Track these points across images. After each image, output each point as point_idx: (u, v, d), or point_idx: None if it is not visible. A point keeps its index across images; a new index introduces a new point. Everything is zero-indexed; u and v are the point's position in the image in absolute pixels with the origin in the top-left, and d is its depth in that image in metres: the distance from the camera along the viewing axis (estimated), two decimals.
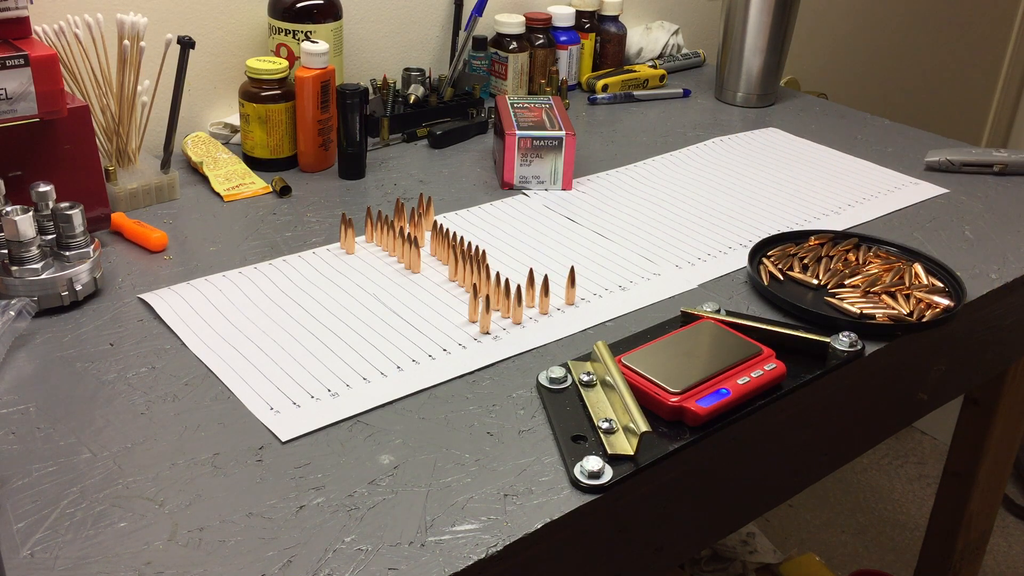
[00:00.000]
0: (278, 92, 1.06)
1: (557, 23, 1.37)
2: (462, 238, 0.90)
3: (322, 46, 1.05)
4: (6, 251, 0.80)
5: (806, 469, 0.88)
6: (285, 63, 1.07)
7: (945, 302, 0.85)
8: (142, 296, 0.83)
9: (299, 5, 1.12)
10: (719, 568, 1.59)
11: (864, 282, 0.88)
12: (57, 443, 0.65)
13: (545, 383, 0.73)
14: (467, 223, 1.00)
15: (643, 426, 0.64)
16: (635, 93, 1.40)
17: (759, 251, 0.94)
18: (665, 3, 1.60)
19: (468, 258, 0.86)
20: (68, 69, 0.94)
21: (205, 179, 1.06)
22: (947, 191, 1.12)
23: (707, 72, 1.54)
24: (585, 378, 0.73)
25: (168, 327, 0.79)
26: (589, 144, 1.23)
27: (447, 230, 0.91)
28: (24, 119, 0.84)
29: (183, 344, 0.77)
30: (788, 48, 1.40)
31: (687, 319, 0.80)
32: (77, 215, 0.80)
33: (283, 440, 0.67)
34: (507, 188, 1.08)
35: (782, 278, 0.90)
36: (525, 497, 0.62)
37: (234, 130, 1.15)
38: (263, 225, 0.97)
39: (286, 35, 1.12)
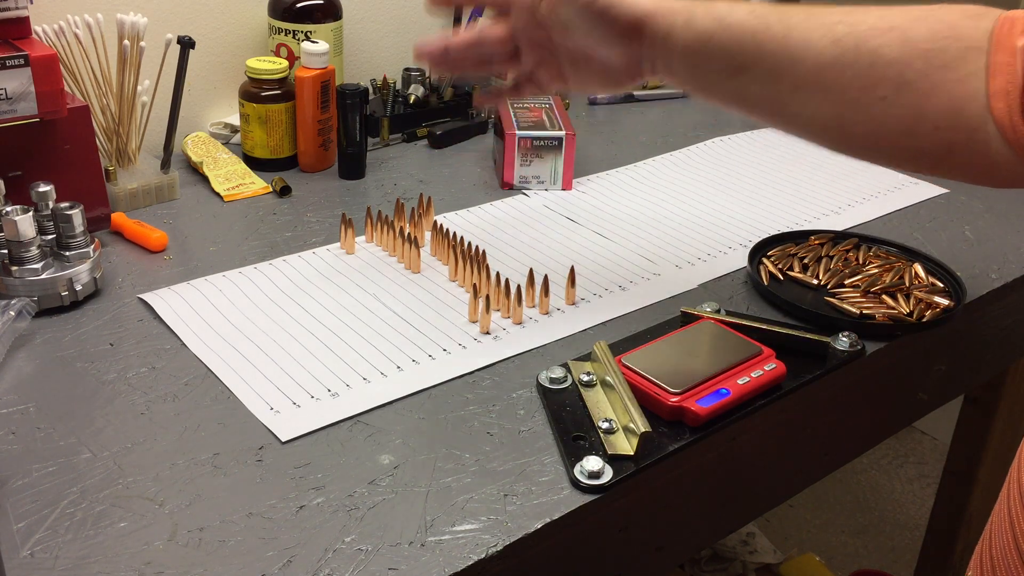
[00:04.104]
0: (278, 92, 1.06)
1: None
2: (462, 238, 0.90)
3: (322, 46, 1.05)
4: (6, 251, 0.80)
5: (806, 469, 0.88)
6: (285, 63, 1.07)
7: (945, 302, 0.85)
8: (142, 296, 0.83)
9: (299, 5, 1.12)
10: (719, 568, 1.59)
11: (864, 282, 0.88)
12: (57, 443, 0.65)
13: (545, 383, 0.73)
14: (467, 223, 1.00)
15: (643, 426, 0.64)
16: (635, 93, 1.40)
17: (759, 251, 0.94)
18: None
19: (468, 258, 0.86)
20: (68, 69, 0.94)
21: (205, 179, 1.06)
22: (947, 191, 1.12)
23: None
24: (585, 378, 0.73)
25: (168, 327, 0.79)
26: (589, 144, 1.23)
27: (447, 230, 0.91)
28: (24, 119, 0.84)
29: (183, 344, 0.77)
30: None
31: (687, 319, 0.80)
32: (77, 215, 0.80)
33: (283, 440, 0.67)
34: (507, 188, 1.08)
35: (782, 278, 0.90)
36: (525, 497, 0.62)
37: (234, 130, 1.15)
38: (263, 225, 0.97)
39: (286, 35, 1.12)
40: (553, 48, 0.74)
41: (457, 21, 1.32)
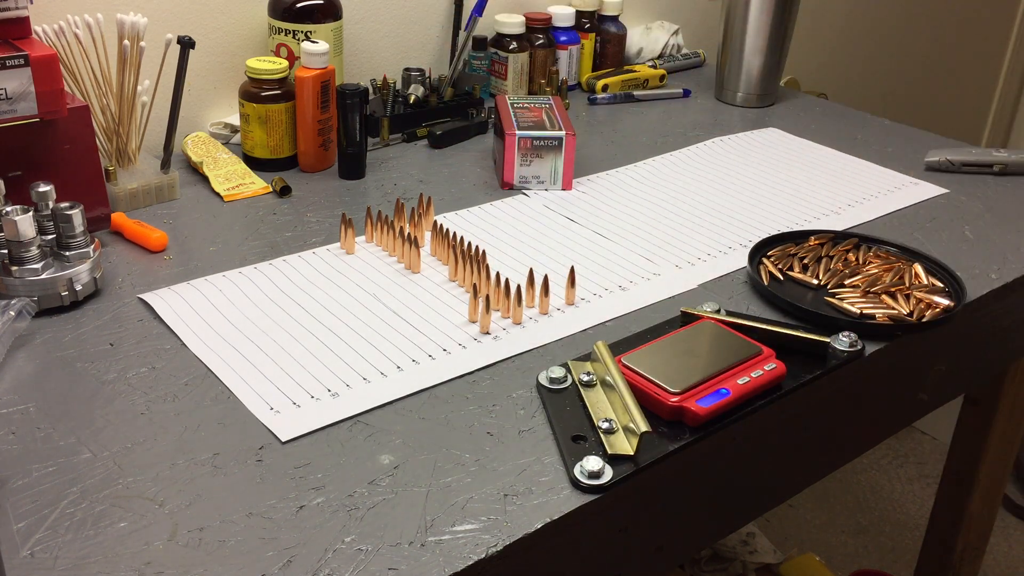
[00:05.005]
0: (278, 92, 1.06)
1: (557, 23, 1.37)
2: (462, 238, 0.90)
3: (322, 46, 1.05)
4: (6, 251, 0.80)
5: (806, 469, 0.88)
6: (285, 63, 1.07)
7: (945, 302, 0.85)
8: (142, 296, 0.83)
9: (299, 5, 1.12)
10: (719, 568, 1.59)
11: (864, 282, 0.88)
12: (57, 443, 0.65)
13: (545, 383, 0.73)
14: (467, 223, 1.00)
15: (643, 426, 0.64)
16: (635, 93, 1.40)
17: (759, 251, 0.94)
18: (665, 3, 1.60)
19: (468, 258, 0.86)
20: (68, 69, 0.94)
21: (205, 179, 1.06)
22: (947, 191, 1.12)
23: (707, 72, 1.54)
24: (585, 378, 0.73)
25: (168, 327, 0.79)
26: (589, 144, 1.23)
27: (447, 230, 0.91)
28: (24, 119, 0.84)
29: (183, 344, 0.77)
30: (788, 48, 1.40)
31: (687, 319, 0.80)
32: (77, 215, 0.80)
33: (283, 440, 0.67)
34: (507, 188, 1.08)
35: (782, 278, 0.90)
36: (525, 497, 0.62)
37: (234, 130, 1.15)
38: (263, 225, 0.97)
39: (286, 35, 1.12)
40: None
41: (457, 22, 1.32)
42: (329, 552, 0.57)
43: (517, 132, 1.05)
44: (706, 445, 0.69)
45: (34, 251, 0.79)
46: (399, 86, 1.26)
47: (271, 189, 1.05)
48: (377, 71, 1.29)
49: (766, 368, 0.73)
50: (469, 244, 0.89)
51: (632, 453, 0.65)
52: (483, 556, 0.58)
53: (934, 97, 2.32)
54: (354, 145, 1.08)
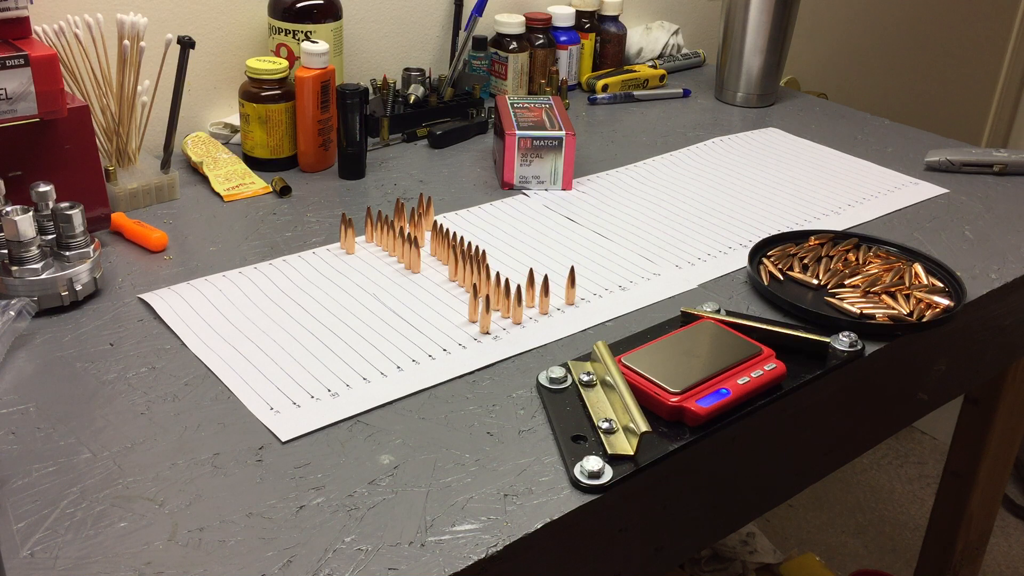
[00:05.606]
0: (278, 92, 1.06)
1: (557, 23, 1.37)
2: (462, 238, 0.90)
3: (322, 46, 1.05)
4: (6, 251, 0.80)
5: (806, 469, 0.88)
6: (285, 63, 1.07)
7: (945, 302, 0.85)
8: (142, 296, 0.83)
9: (299, 5, 1.12)
10: (719, 568, 1.59)
11: (864, 282, 0.88)
12: (57, 443, 0.65)
13: (545, 383, 0.73)
14: (467, 223, 1.00)
15: (643, 426, 0.64)
16: (635, 93, 1.40)
17: (759, 251, 0.94)
18: (665, 3, 1.60)
19: (468, 258, 0.86)
20: (68, 69, 0.94)
21: (205, 179, 1.06)
22: (947, 191, 1.12)
23: (707, 72, 1.54)
24: (585, 378, 0.73)
25: (168, 327, 0.79)
26: (589, 144, 1.23)
27: (447, 230, 0.91)
28: (24, 119, 0.84)
29: (183, 344, 0.77)
30: (788, 48, 1.40)
31: (687, 319, 0.80)
32: (77, 215, 0.80)
33: (283, 440, 0.67)
34: (507, 188, 1.08)
35: (782, 278, 0.90)
36: (525, 497, 0.62)
37: (234, 130, 1.15)
38: (263, 225, 0.97)
39: (286, 35, 1.12)
40: None
41: (457, 22, 1.32)
42: (329, 552, 0.57)
43: (517, 132, 1.05)
44: (706, 445, 0.69)
45: (34, 251, 0.79)
46: (399, 86, 1.26)
47: (271, 189, 1.05)
48: (377, 71, 1.29)
49: (766, 368, 0.73)
50: (469, 244, 0.89)
51: (632, 453, 0.65)
52: (483, 556, 0.58)
53: (934, 97, 2.32)
54: (354, 145, 1.08)
